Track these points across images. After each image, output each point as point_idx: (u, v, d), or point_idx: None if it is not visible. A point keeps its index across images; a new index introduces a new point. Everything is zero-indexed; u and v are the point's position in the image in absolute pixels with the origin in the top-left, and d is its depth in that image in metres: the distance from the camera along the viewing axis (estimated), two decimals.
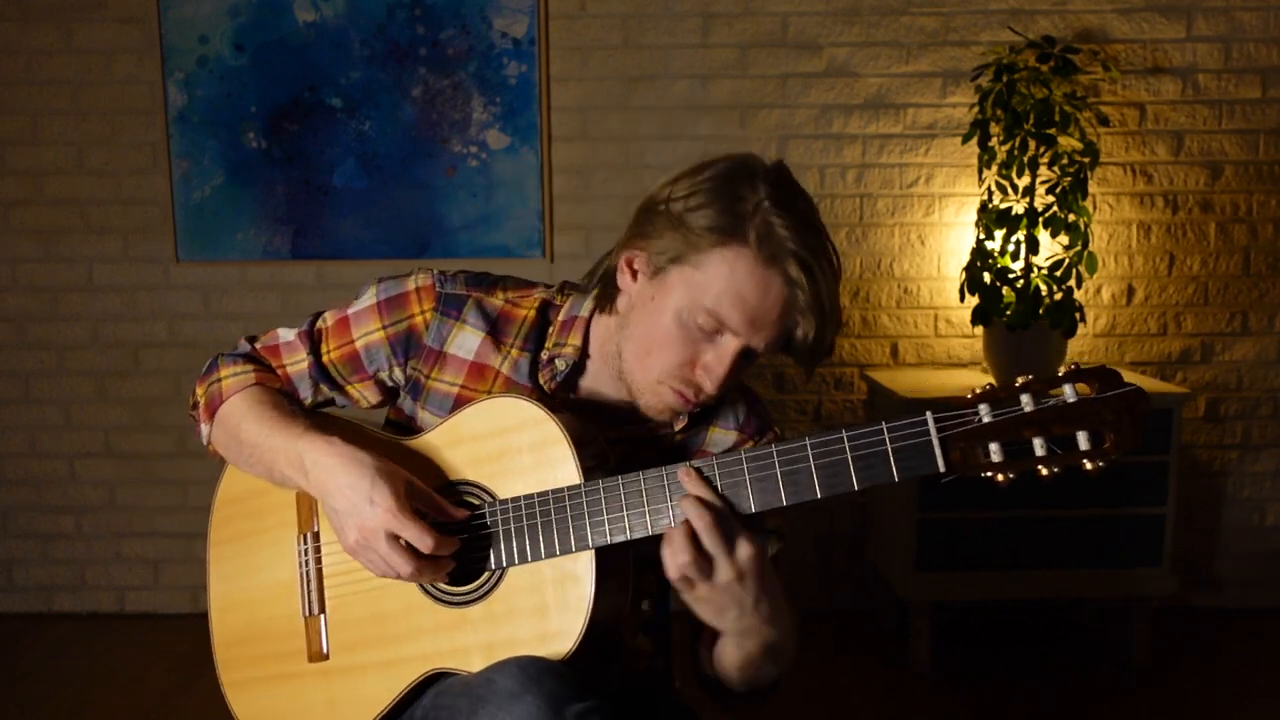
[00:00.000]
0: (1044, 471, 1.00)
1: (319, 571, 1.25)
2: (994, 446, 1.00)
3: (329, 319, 1.30)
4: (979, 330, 2.75)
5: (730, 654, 1.15)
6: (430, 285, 1.26)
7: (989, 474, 1.01)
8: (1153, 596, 2.62)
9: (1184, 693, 2.55)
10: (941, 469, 1.00)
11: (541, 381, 1.23)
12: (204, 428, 1.31)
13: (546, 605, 1.12)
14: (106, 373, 3.01)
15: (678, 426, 1.23)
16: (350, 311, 1.29)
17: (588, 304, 1.24)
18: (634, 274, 1.16)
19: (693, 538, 1.03)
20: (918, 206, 2.93)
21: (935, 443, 1.00)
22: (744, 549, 1.04)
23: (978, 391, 1.01)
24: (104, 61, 2.89)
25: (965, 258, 2.72)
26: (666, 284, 1.12)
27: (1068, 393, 0.98)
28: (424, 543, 1.09)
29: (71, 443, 3.04)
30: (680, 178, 1.13)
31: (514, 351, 1.24)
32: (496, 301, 1.26)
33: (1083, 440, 0.98)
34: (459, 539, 1.13)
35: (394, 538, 1.10)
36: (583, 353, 1.23)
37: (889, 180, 2.92)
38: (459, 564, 1.15)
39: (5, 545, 3.08)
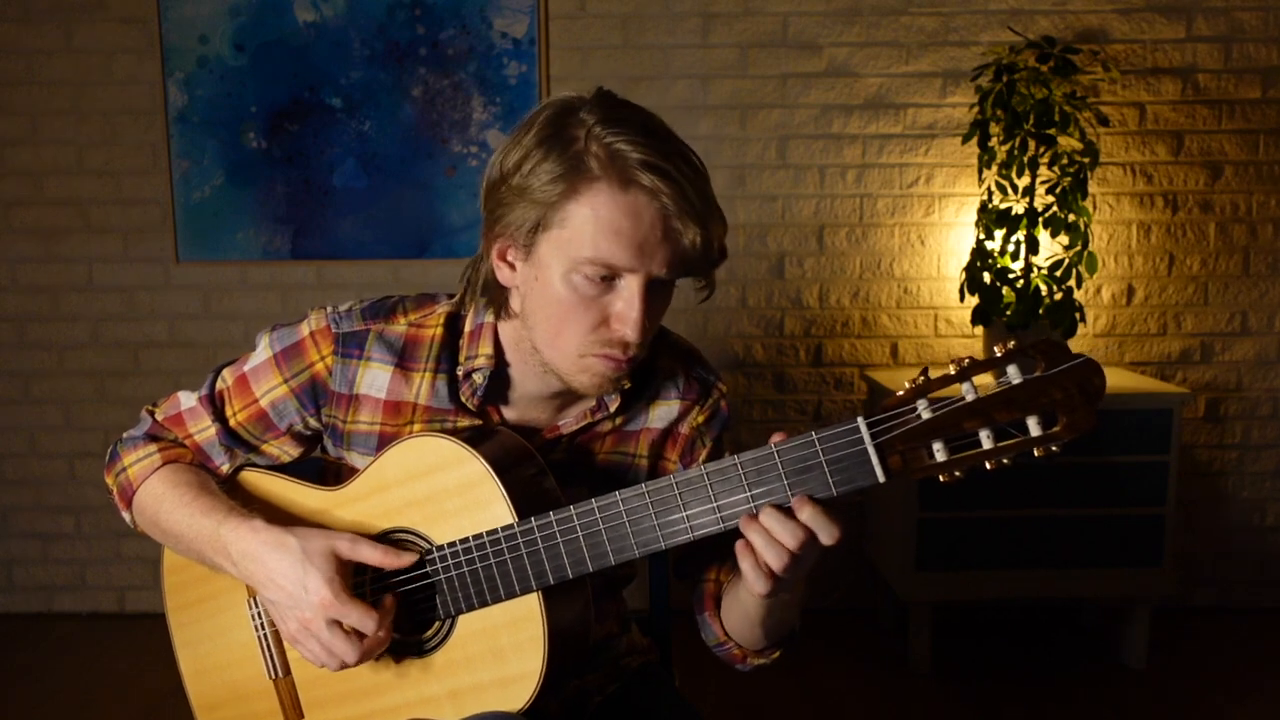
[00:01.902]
0: (989, 465, 0.91)
1: (276, 633, 1.21)
2: (937, 445, 0.91)
3: (228, 378, 1.23)
4: (979, 330, 2.75)
5: (759, 610, 1.12)
6: (325, 327, 1.18)
7: (934, 475, 0.92)
8: (1153, 596, 2.62)
9: (1184, 693, 2.55)
10: (880, 478, 0.92)
11: (464, 399, 1.17)
12: (125, 515, 1.26)
13: (503, 649, 1.09)
14: (106, 373, 3.01)
15: (613, 408, 1.18)
16: (247, 368, 1.21)
17: (490, 311, 1.16)
18: (511, 265, 1.10)
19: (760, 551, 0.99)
20: (918, 206, 2.93)
21: (871, 450, 0.92)
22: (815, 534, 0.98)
23: (911, 385, 0.91)
24: (104, 61, 2.89)
25: (965, 258, 2.72)
26: (541, 258, 1.04)
27: (1011, 374, 0.89)
28: (367, 625, 1.06)
29: (71, 443, 3.04)
30: (507, 148, 1.06)
31: (428, 375, 1.17)
32: (399, 328, 1.18)
33: (1033, 425, 0.89)
34: (397, 602, 1.10)
35: (335, 623, 1.06)
36: (498, 360, 1.16)
37: (889, 180, 2.92)
38: (409, 614, 1.12)
39: (5, 545, 3.08)
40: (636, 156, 0.99)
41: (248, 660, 1.24)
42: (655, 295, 1.05)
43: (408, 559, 1.09)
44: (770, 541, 0.97)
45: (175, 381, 2.99)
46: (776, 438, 0.97)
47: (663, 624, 1.53)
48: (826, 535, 0.96)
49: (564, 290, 1.03)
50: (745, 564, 0.99)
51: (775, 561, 0.97)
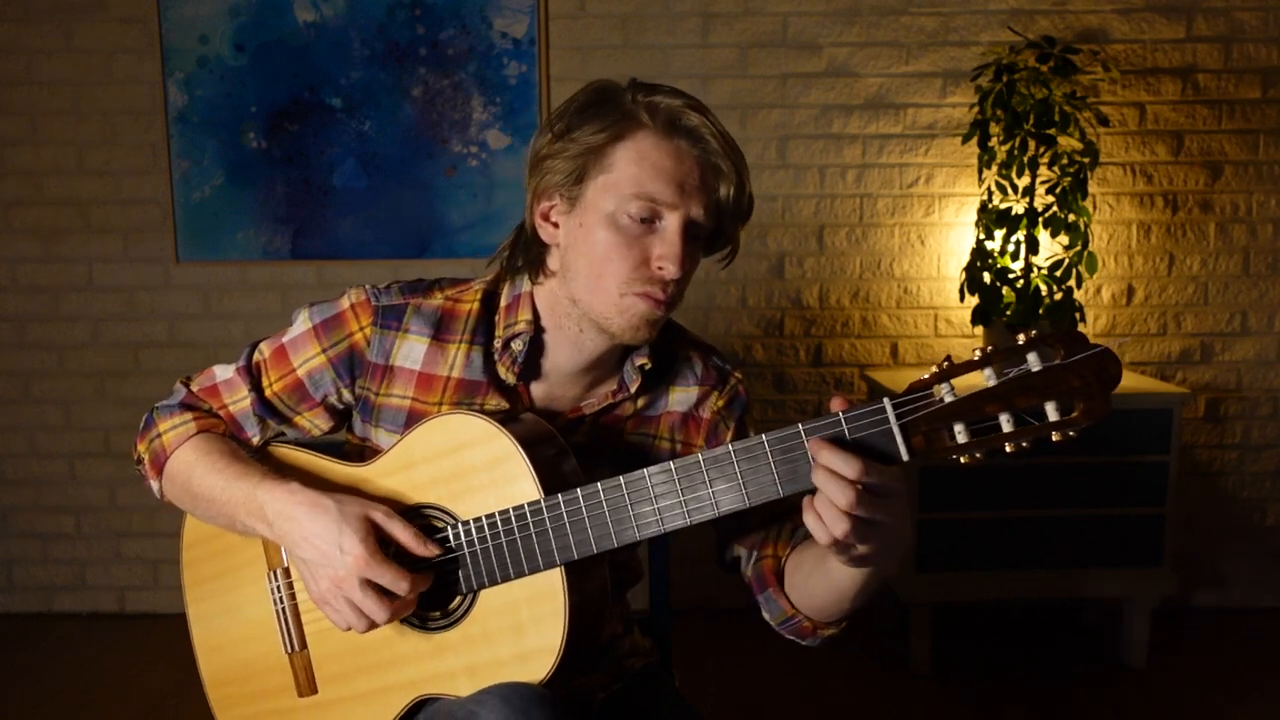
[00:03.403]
0: (1009, 448, 0.94)
1: (294, 607, 1.23)
2: (958, 427, 0.94)
3: (265, 350, 1.26)
4: (979, 330, 2.75)
5: (854, 584, 1.09)
6: (365, 300, 1.22)
7: (955, 456, 0.95)
8: (1153, 596, 2.62)
9: (1184, 693, 2.55)
10: (904, 457, 0.95)
11: (501, 372, 1.20)
12: (153, 484, 1.27)
13: (522, 624, 1.10)
14: (106, 373, 3.01)
15: (634, 388, 1.21)
16: (286, 339, 1.24)
17: (526, 281, 1.21)
18: (554, 224, 1.16)
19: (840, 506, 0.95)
20: (918, 206, 2.93)
21: (896, 430, 0.95)
22: (894, 493, 0.96)
23: (935, 370, 0.95)
24: (104, 61, 2.89)
25: (965, 258, 2.72)
26: (588, 203, 1.12)
27: (1031, 361, 0.93)
28: (400, 586, 1.07)
29: (71, 443, 3.04)
30: (550, 122, 1.15)
31: (464, 347, 1.21)
32: (436, 302, 1.22)
33: (1051, 411, 0.93)
34: (429, 572, 1.11)
35: (368, 583, 1.08)
36: (536, 326, 1.19)
37: (889, 180, 2.92)
38: (431, 589, 1.13)
39: (5, 545, 3.08)
40: (678, 105, 1.11)
41: (263, 635, 1.25)
42: (693, 239, 1.13)
43: (434, 550, 1.11)
44: (820, 500, 0.95)
45: (175, 381, 2.99)
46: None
47: (663, 625, 1.53)
48: (849, 470, 0.93)
49: (608, 232, 1.10)
50: (810, 520, 0.97)
51: (831, 517, 0.95)
